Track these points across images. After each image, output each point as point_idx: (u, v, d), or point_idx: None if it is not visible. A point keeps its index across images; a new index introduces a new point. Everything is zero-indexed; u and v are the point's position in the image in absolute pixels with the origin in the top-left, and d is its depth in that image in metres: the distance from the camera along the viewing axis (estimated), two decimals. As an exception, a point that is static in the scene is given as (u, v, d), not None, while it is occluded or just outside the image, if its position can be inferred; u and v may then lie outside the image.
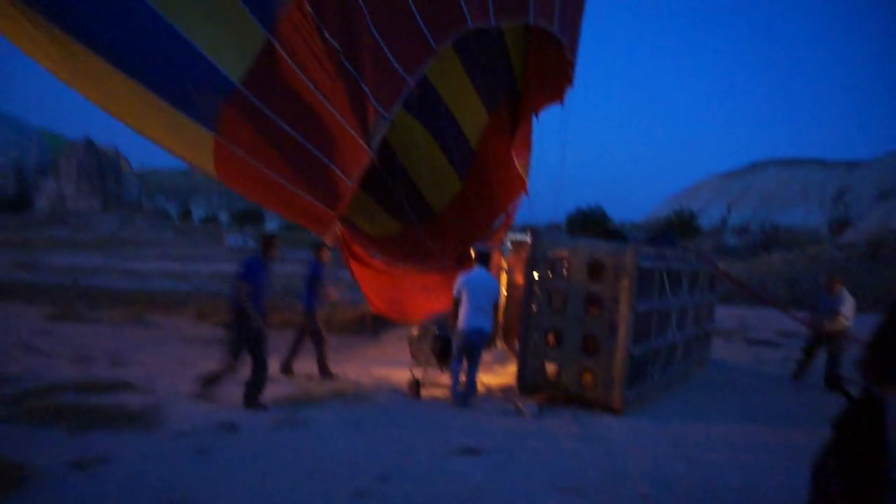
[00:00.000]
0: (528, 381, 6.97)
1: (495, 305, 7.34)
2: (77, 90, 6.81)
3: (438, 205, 10.16)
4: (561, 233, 8.23)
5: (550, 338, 6.88)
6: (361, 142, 6.45)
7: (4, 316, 11.77)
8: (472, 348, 6.66)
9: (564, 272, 6.84)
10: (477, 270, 6.91)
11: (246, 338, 6.07)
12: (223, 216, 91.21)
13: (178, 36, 6.09)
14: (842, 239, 38.58)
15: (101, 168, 74.91)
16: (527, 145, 9.53)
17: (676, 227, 51.14)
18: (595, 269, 6.60)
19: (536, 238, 7.01)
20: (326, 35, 6.23)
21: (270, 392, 6.42)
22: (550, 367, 6.87)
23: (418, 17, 6.62)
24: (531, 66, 9.12)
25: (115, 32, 5.98)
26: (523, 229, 8.69)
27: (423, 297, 9.18)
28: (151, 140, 7.02)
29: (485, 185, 9.91)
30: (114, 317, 12.12)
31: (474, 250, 7.46)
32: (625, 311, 6.43)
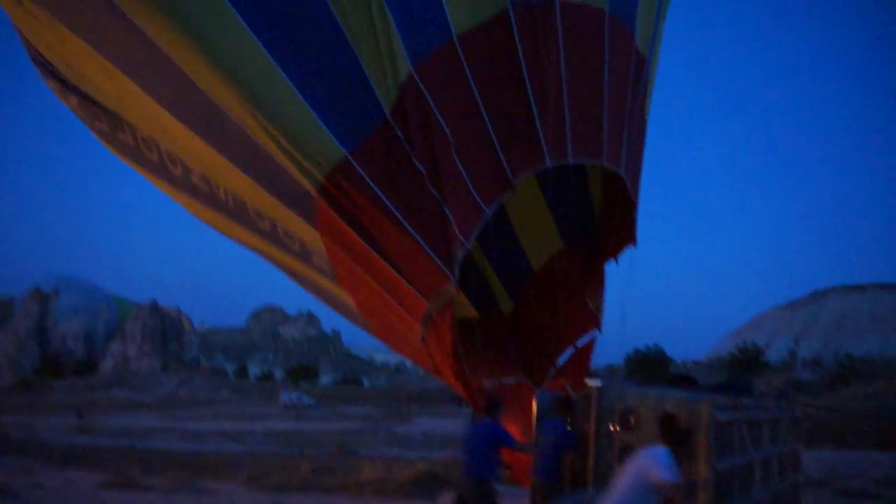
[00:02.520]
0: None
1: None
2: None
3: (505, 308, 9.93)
4: (624, 379, 7.60)
5: None
6: (443, 267, 6.42)
7: (60, 484, 11.66)
8: None
9: (632, 424, 6.36)
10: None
11: None
12: (278, 373, 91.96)
13: (261, 148, 6.46)
14: (928, 368, 35.68)
15: (164, 329, 77.84)
16: (601, 284, 9.26)
17: (742, 364, 48.59)
18: (667, 423, 6.19)
19: (602, 387, 6.69)
20: (413, 159, 6.38)
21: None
22: None
23: (499, 151, 6.74)
24: (606, 207, 9.09)
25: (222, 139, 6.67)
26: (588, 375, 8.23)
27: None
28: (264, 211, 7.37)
29: (543, 308, 9.55)
30: (165, 482, 11.85)
31: (536, 399, 7.02)
32: (704, 470, 5.81)
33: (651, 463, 4.49)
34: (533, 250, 9.63)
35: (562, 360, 9.45)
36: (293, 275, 8.82)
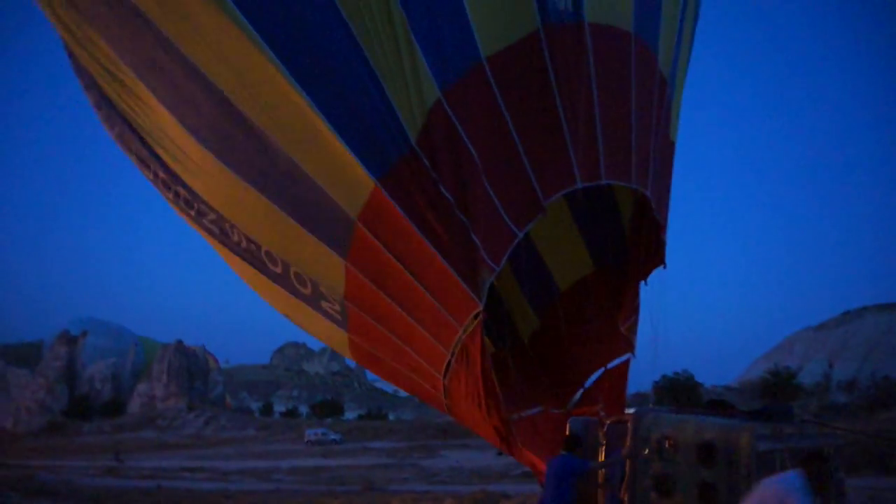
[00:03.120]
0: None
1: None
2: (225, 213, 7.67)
3: (525, 331, 9.78)
4: (656, 406, 7.31)
5: None
6: (471, 293, 6.42)
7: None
8: None
9: (669, 451, 6.06)
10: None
11: None
12: (303, 409, 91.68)
13: (302, 171, 6.62)
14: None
15: (190, 368, 78.22)
16: (635, 307, 8.97)
17: (774, 388, 47.38)
18: (705, 452, 5.81)
19: (639, 414, 6.32)
20: (441, 187, 6.39)
21: None
22: None
23: (530, 173, 6.69)
24: (636, 228, 8.97)
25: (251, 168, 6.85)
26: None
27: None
28: (282, 255, 7.45)
29: (571, 329, 9.28)
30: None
31: (570, 426, 6.85)
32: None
33: (786, 491, 4.23)
34: (559, 271, 9.49)
35: (589, 382, 9.23)
36: (296, 319, 8.80)
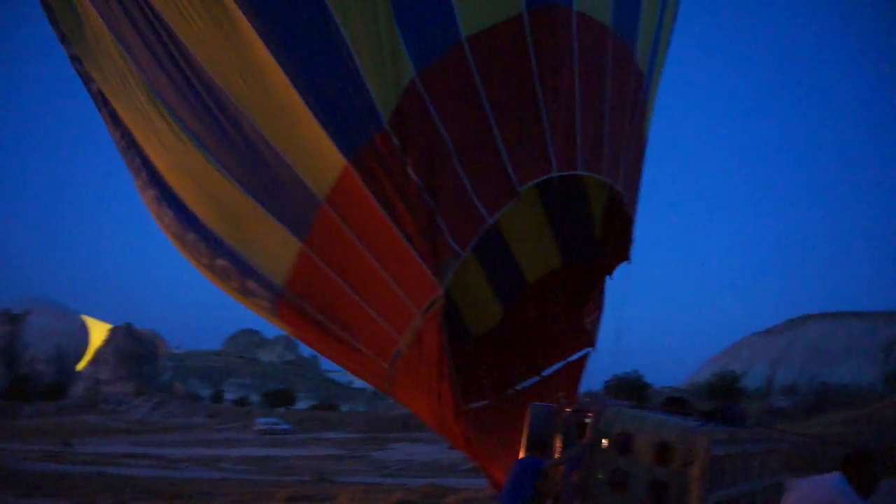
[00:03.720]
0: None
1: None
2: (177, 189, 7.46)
3: (475, 328, 9.77)
4: (609, 400, 7.38)
5: None
6: (432, 276, 6.30)
7: (26, 513, 11.29)
8: None
9: (629, 448, 6.17)
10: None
11: None
12: (255, 397, 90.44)
13: (274, 151, 6.48)
14: (900, 395, 36.20)
15: (139, 352, 76.35)
16: (600, 302, 9.00)
17: (720, 391, 48.87)
18: (662, 451, 6.05)
19: (600, 408, 6.55)
20: (409, 170, 6.26)
21: None
22: None
23: (505, 159, 6.53)
24: (605, 222, 8.89)
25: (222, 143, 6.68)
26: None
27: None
28: (228, 235, 7.32)
29: (535, 321, 9.24)
30: (137, 511, 11.54)
31: (530, 413, 6.84)
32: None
33: (834, 494, 4.12)
34: (527, 263, 9.44)
35: (547, 373, 9.26)
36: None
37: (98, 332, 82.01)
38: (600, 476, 6.11)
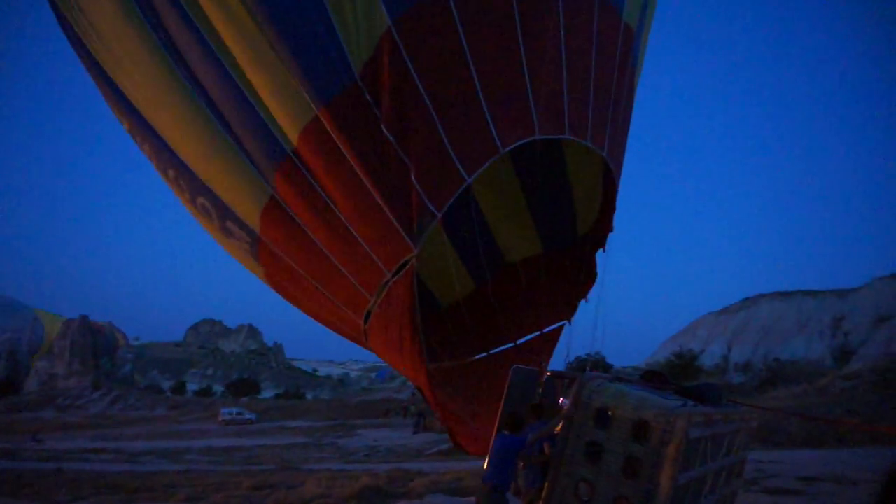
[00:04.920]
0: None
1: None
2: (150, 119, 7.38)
3: (446, 299, 9.63)
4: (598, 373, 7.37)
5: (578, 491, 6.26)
6: (405, 237, 6.08)
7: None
8: None
9: (605, 420, 6.12)
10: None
11: None
12: (218, 388, 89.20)
13: (244, 96, 6.35)
14: (848, 368, 37.91)
15: (95, 345, 74.41)
16: (591, 275, 8.64)
17: (678, 369, 50.24)
18: (640, 428, 5.97)
19: (584, 379, 6.34)
20: (382, 126, 5.98)
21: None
22: None
23: (487, 115, 6.18)
24: (586, 194, 8.57)
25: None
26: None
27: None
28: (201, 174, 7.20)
29: (512, 298, 9.23)
30: (98, 506, 11.35)
31: (511, 375, 6.70)
32: (665, 483, 5.71)
33: None
34: (507, 245, 9.36)
35: (522, 341, 9.22)
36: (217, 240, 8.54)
37: (53, 325, 79.54)
38: (578, 446, 6.11)
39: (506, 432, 6.38)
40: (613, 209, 8.09)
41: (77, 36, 7.92)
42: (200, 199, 7.63)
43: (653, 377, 7.09)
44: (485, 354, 9.29)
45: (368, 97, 6.00)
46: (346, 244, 6.52)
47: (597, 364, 49.96)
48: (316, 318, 8.27)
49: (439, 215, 6.12)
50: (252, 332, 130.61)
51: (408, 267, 6.23)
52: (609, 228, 8.21)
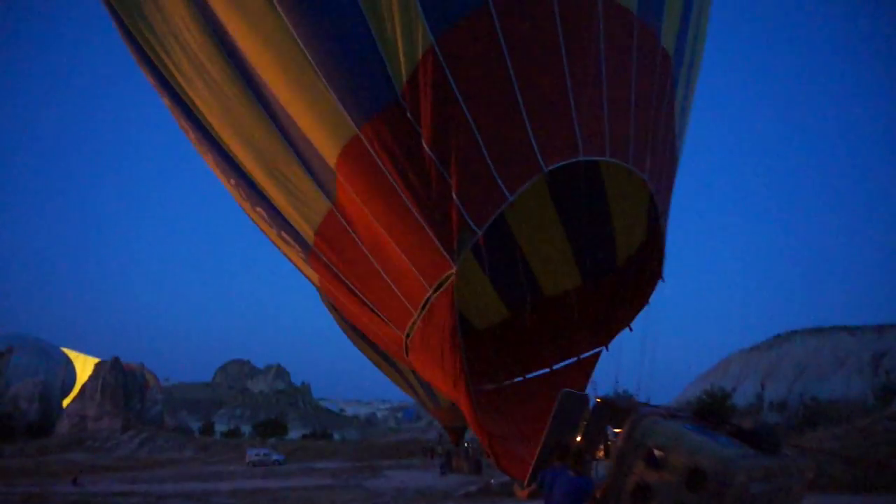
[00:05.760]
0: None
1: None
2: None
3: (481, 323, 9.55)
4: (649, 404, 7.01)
5: None
6: (444, 253, 6.05)
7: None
8: None
9: (658, 462, 5.67)
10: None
11: None
12: (246, 428, 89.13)
13: (287, 116, 6.49)
14: (891, 408, 36.45)
15: (126, 386, 75.22)
16: (634, 306, 8.44)
17: (710, 408, 48.92)
18: (695, 477, 5.50)
19: (638, 415, 5.91)
20: (423, 143, 5.97)
21: None
22: None
23: (530, 134, 6.12)
24: (628, 232, 8.40)
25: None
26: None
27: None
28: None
29: (548, 326, 9.05)
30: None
31: (560, 399, 6.41)
32: None
33: None
34: (544, 275, 9.28)
35: (558, 366, 9.10)
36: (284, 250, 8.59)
37: (85, 367, 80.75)
38: (627, 485, 5.68)
39: (571, 473, 5.89)
40: (662, 238, 7.78)
41: (146, 55, 7.98)
42: (259, 210, 7.79)
43: (707, 415, 6.66)
44: (521, 379, 9.23)
45: (409, 115, 6.01)
46: (391, 257, 6.54)
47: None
48: (362, 328, 8.37)
49: (480, 232, 6.06)
50: (280, 372, 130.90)
51: (448, 283, 6.19)
52: (659, 257, 7.95)
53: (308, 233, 7.21)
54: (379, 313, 7.22)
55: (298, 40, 6.11)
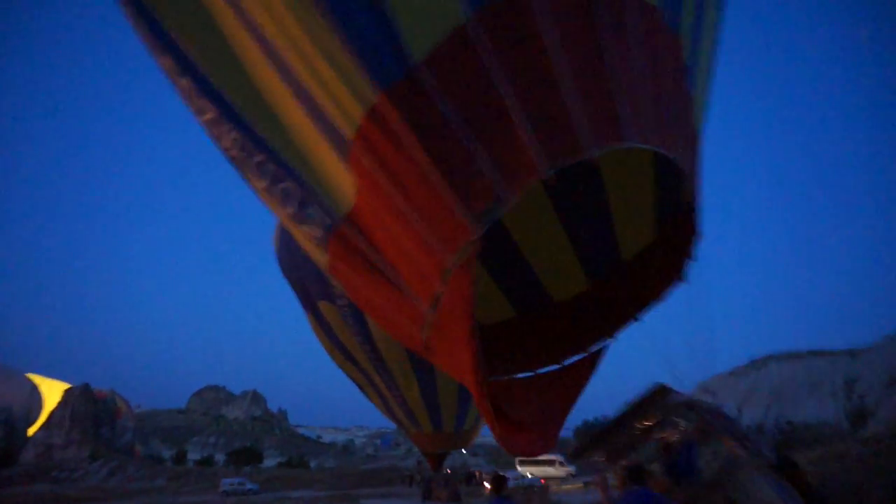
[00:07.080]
0: None
1: None
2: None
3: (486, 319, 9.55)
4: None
5: None
6: (467, 220, 5.83)
7: None
8: None
9: None
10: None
11: None
12: (220, 457, 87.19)
13: (302, 88, 6.37)
14: (864, 432, 36.86)
15: (96, 414, 73.37)
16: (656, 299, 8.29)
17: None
18: None
19: (738, 465, 6.07)
20: (448, 105, 5.85)
21: None
22: None
23: (572, 114, 5.88)
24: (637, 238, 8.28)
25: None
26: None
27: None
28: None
29: (556, 324, 9.07)
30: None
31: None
32: None
33: None
34: (549, 280, 9.28)
35: (569, 362, 9.09)
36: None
37: (51, 393, 78.57)
38: None
39: (636, 487, 5.85)
40: (694, 199, 7.27)
41: (163, 30, 7.77)
42: (284, 185, 7.47)
43: (787, 466, 6.45)
44: (532, 374, 9.19)
45: (437, 84, 5.91)
46: (414, 224, 6.31)
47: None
48: (376, 308, 8.03)
49: (512, 200, 5.76)
50: (256, 397, 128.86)
51: (467, 252, 5.94)
52: (691, 232, 7.49)
53: (344, 205, 6.95)
54: (403, 287, 6.89)
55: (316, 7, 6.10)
